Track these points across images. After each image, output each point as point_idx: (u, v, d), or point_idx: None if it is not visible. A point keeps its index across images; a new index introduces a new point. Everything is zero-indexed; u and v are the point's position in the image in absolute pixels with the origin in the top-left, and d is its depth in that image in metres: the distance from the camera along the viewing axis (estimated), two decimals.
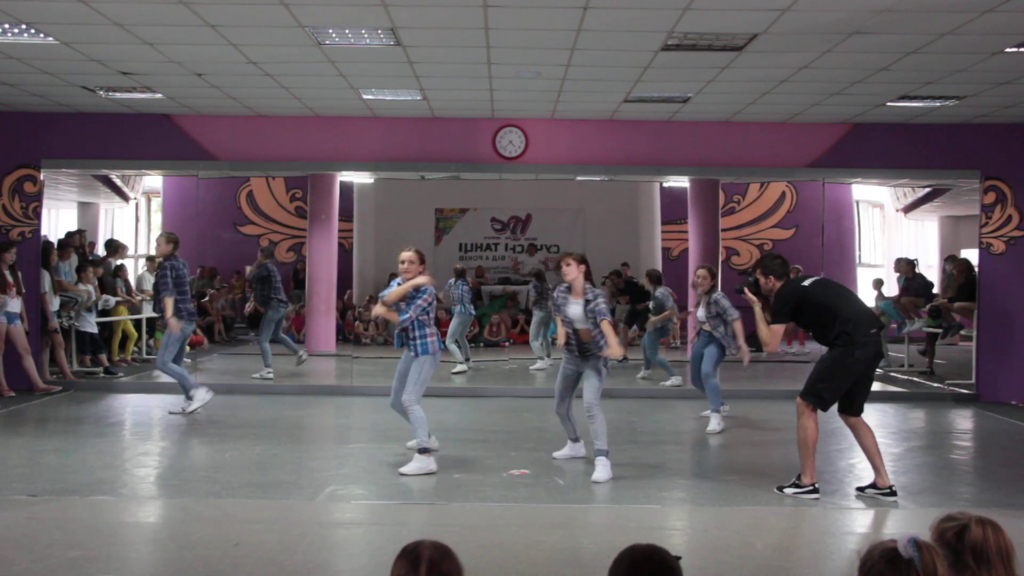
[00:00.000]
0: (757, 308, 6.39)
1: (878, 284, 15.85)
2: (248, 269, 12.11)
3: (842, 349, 6.01)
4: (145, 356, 13.43)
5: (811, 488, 6.21)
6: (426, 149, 11.67)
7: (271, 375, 11.67)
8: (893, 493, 6.19)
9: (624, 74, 9.06)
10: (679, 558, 2.32)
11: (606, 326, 6.60)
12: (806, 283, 6.28)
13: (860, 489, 6.38)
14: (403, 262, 6.83)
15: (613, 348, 6.55)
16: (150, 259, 13.98)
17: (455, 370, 12.55)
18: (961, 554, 2.36)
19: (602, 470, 6.61)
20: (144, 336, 13.57)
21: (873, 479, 6.29)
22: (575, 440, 7.32)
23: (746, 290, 6.47)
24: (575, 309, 6.76)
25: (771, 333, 6.15)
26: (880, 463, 6.23)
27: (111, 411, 9.88)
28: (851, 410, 6.23)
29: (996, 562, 2.35)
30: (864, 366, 6.10)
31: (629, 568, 2.28)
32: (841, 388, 6.10)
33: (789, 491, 6.25)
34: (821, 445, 6.61)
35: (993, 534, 2.38)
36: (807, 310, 6.15)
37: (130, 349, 13.28)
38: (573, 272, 6.81)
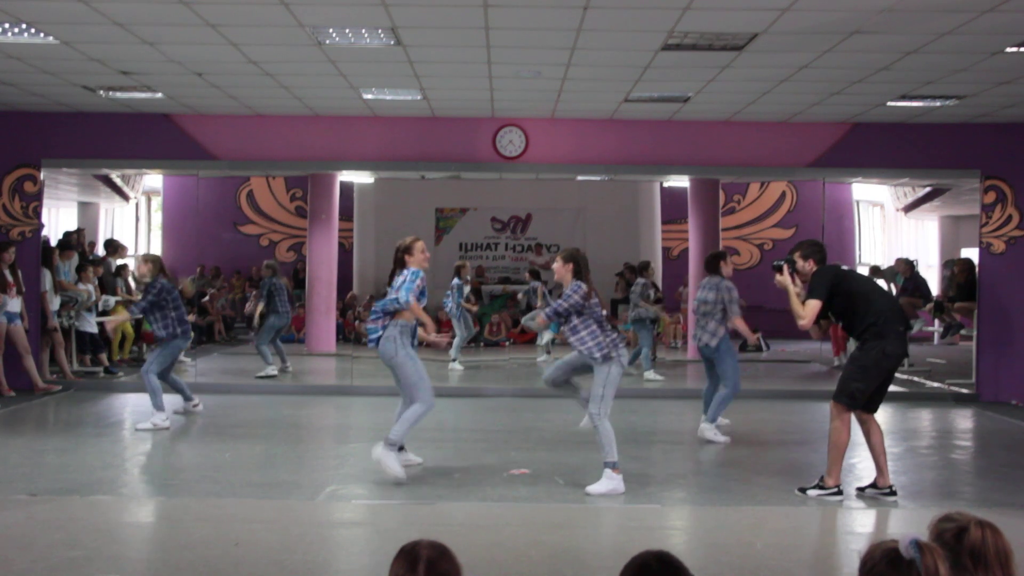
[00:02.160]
0: (791, 288, 6.23)
1: None
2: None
3: (874, 345, 6.03)
4: (144, 356, 13.40)
5: (835, 490, 6.21)
6: (426, 149, 11.67)
7: (275, 371, 11.74)
8: (893, 493, 6.20)
9: (624, 74, 9.06)
10: None
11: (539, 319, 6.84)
12: (844, 267, 6.42)
13: (860, 489, 6.39)
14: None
15: (536, 324, 6.99)
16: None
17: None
18: (959, 556, 2.36)
19: (603, 482, 6.29)
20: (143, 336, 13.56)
21: (874, 478, 6.31)
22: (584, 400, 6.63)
23: (785, 267, 6.28)
24: None
25: (807, 307, 6.05)
26: (884, 462, 6.25)
27: (111, 411, 9.88)
28: (868, 407, 6.25)
29: (994, 565, 2.34)
30: (894, 362, 6.13)
31: (637, 571, 2.28)
32: (872, 386, 6.13)
33: (812, 492, 6.24)
34: (821, 445, 6.61)
35: (992, 537, 2.37)
36: (842, 294, 6.14)
37: (128, 349, 13.28)
38: (559, 272, 6.80)
